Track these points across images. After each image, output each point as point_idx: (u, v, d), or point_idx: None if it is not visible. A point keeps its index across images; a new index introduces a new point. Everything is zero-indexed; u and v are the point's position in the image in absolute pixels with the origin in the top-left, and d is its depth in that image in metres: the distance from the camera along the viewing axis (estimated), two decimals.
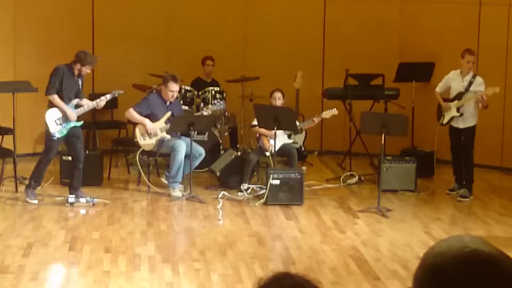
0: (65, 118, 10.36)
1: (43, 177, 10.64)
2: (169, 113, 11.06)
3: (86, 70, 10.37)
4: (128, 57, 13.27)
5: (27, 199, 10.39)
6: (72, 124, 10.42)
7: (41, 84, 11.76)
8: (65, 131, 10.39)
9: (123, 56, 13.24)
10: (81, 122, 10.58)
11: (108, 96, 10.67)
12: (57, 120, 10.34)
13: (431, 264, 1.91)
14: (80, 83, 10.49)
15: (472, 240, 1.93)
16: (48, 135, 10.39)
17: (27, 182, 10.78)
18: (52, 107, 10.37)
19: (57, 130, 10.32)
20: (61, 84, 10.31)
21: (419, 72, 12.80)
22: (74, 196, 10.30)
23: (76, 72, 10.36)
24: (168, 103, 11.14)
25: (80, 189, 10.53)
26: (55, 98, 10.33)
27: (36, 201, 10.40)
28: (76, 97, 10.48)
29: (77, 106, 10.46)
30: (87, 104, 10.50)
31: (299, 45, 13.50)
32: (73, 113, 10.38)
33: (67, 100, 10.38)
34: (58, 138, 10.37)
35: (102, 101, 10.55)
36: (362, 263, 8.31)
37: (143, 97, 11.47)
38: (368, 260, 8.40)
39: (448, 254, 1.90)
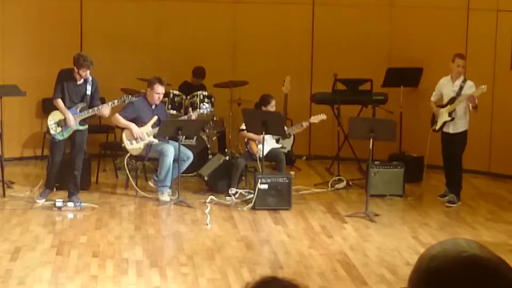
0: (66, 122, 10.36)
1: (52, 181, 10.59)
2: (155, 117, 11.02)
3: (82, 72, 10.23)
4: (117, 62, 13.23)
5: (36, 200, 10.44)
6: (74, 127, 10.40)
7: (29, 88, 11.76)
8: (65, 134, 10.38)
9: (111, 60, 13.19)
10: (85, 126, 10.52)
11: (115, 102, 10.58)
12: (58, 122, 10.35)
13: (427, 268, 1.89)
14: (88, 87, 10.38)
15: (469, 245, 1.91)
16: (50, 138, 10.41)
17: (14, 186, 10.76)
18: (56, 109, 10.38)
19: (58, 132, 10.34)
20: (64, 87, 10.30)
21: (407, 77, 12.82)
22: (62, 200, 10.25)
23: (77, 76, 10.29)
24: (154, 106, 11.11)
25: (76, 195, 10.45)
26: (59, 103, 10.34)
27: (42, 200, 10.42)
28: (82, 101, 10.41)
29: (82, 111, 10.42)
30: (88, 110, 10.39)
31: (287, 50, 13.50)
32: (72, 121, 10.32)
33: (70, 104, 10.36)
34: (59, 140, 10.37)
35: (105, 108, 10.44)
36: (350, 268, 8.31)
37: (128, 101, 11.43)
38: (356, 265, 8.41)
39: (445, 257, 1.88)
